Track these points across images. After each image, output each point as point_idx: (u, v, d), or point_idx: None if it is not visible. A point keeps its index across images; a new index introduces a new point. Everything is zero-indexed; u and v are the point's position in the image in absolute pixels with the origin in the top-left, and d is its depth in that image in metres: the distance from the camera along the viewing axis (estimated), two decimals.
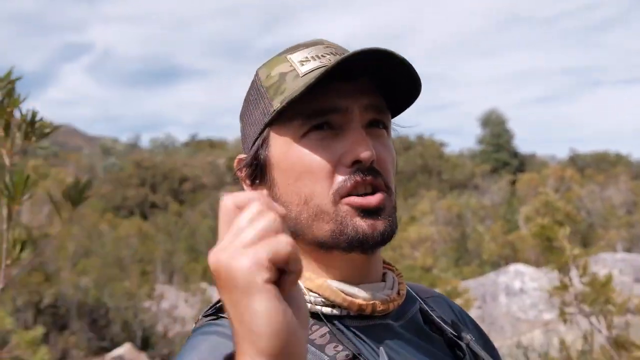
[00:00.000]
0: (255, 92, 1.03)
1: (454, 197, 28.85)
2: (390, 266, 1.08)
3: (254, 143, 1.01)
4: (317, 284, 0.95)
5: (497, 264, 18.56)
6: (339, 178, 0.94)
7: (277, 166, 0.98)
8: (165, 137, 60.58)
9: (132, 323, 15.60)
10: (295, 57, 0.99)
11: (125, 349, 13.80)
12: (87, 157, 47.70)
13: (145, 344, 15.39)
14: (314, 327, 0.90)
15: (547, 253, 3.31)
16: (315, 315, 0.92)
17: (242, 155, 1.05)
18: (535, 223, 3.34)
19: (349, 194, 0.94)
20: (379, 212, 0.95)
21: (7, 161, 1.98)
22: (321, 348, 0.87)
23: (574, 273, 3.16)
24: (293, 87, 0.95)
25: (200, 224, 27.09)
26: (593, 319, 3.15)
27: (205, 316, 0.95)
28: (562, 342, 3.18)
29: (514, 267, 11.96)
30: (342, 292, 0.95)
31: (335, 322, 0.93)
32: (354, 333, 0.92)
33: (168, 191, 36.66)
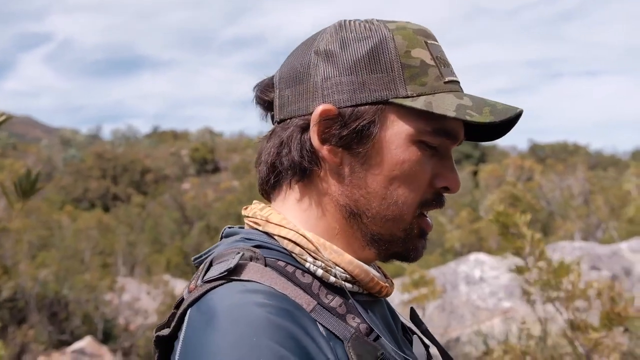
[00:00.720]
0: (383, 54, 0.93)
1: None
2: None
3: (356, 105, 0.93)
4: (347, 260, 0.95)
5: (459, 253, 18.79)
6: (427, 196, 0.97)
7: (387, 155, 0.94)
8: (127, 128, 59.71)
9: (93, 316, 15.40)
10: (432, 49, 0.96)
11: (86, 342, 13.63)
12: (47, 149, 46.72)
13: (106, 337, 15.21)
14: (329, 297, 0.91)
15: (505, 239, 3.40)
16: (329, 286, 0.93)
17: (332, 108, 0.93)
18: (493, 210, 3.43)
19: (422, 212, 0.98)
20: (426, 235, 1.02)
21: None
22: (343, 318, 0.89)
23: (531, 259, 3.25)
24: (435, 87, 0.93)
25: (163, 215, 26.83)
26: (556, 303, 3.24)
27: (208, 281, 0.86)
28: (524, 322, 3.26)
29: (474, 257, 12.11)
30: (370, 272, 0.98)
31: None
32: (362, 307, 0.95)
33: (130, 183, 36.18)
